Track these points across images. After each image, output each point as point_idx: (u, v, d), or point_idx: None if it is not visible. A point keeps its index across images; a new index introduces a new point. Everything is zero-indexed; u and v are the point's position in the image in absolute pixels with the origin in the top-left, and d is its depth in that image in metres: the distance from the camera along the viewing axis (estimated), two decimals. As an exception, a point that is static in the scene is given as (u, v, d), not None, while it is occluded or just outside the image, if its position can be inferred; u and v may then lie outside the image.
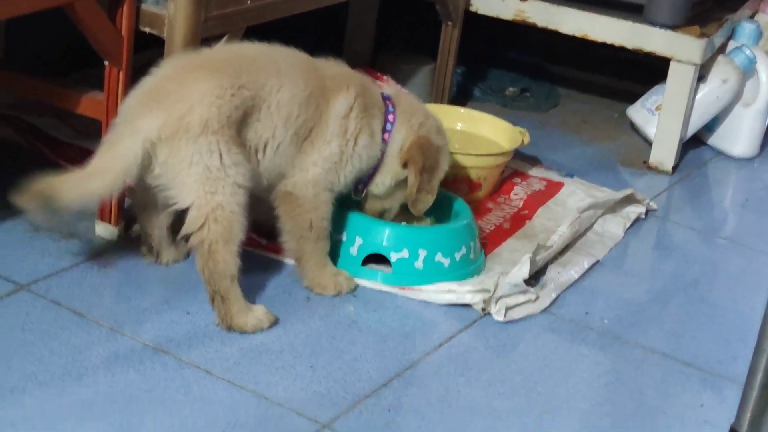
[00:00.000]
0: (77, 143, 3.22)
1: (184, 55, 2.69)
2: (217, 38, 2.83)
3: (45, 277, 2.69)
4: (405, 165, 2.83)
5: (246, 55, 2.66)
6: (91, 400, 2.31)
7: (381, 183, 2.86)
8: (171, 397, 2.36)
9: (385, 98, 2.85)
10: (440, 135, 2.90)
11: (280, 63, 2.67)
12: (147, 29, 2.79)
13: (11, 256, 2.75)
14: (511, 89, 4.27)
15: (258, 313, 2.61)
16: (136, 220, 2.82)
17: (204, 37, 2.79)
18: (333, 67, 2.79)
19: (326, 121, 2.71)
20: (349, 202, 2.91)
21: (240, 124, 2.57)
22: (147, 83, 2.59)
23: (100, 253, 2.83)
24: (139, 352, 2.48)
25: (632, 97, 4.10)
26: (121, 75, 2.77)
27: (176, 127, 2.49)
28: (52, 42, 3.38)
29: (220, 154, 2.52)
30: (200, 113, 2.50)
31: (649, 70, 4.05)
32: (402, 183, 2.87)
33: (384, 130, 2.81)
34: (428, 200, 2.87)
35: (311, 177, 2.71)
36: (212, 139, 2.51)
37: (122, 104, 2.62)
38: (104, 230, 2.88)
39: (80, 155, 3.14)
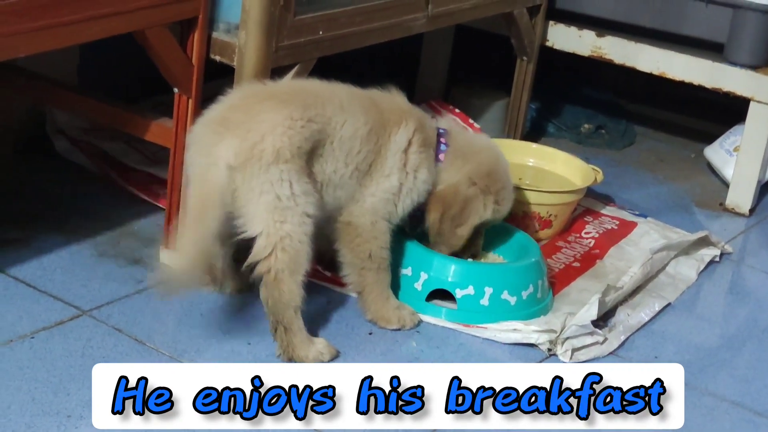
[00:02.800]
0: (146, 170, 3.23)
1: (250, 85, 2.68)
2: (287, 68, 2.82)
3: (107, 303, 2.69)
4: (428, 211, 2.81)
5: (310, 89, 2.66)
6: (147, 429, 2.30)
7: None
8: (227, 428, 2.33)
9: (440, 134, 2.82)
10: (484, 179, 2.82)
11: (342, 98, 2.65)
12: (217, 58, 2.79)
13: (74, 281, 2.75)
14: (586, 126, 4.22)
15: (319, 346, 2.58)
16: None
17: (275, 66, 2.78)
18: (391, 100, 2.77)
19: (385, 155, 2.69)
20: (415, 236, 2.88)
21: (308, 155, 2.56)
22: (214, 112, 2.59)
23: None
24: (197, 382, 2.46)
25: (710, 137, 4.03)
26: (191, 103, 2.77)
27: (249, 156, 2.49)
28: (124, 68, 3.39)
29: (291, 184, 2.52)
30: (272, 142, 2.50)
31: (728, 110, 3.98)
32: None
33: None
34: (452, 244, 2.85)
35: (369, 206, 2.70)
36: (283, 167, 2.51)
37: (189, 133, 2.62)
38: (169, 257, 2.87)
39: (149, 181, 3.17)
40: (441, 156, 2.81)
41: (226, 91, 2.65)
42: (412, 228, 2.88)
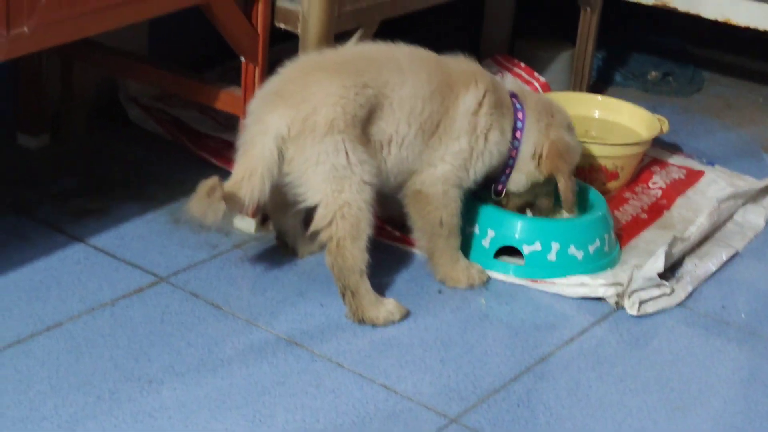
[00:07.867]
0: (219, 135, 3.29)
1: (305, 56, 2.72)
2: (351, 33, 2.87)
3: (184, 269, 2.77)
4: (550, 175, 2.85)
5: (367, 54, 2.69)
6: (225, 392, 2.38)
7: (518, 181, 2.87)
8: (303, 389, 2.41)
9: (512, 95, 2.85)
10: (571, 131, 2.90)
11: (401, 60, 2.68)
12: (281, 25, 2.85)
13: (151, 248, 2.84)
14: (653, 73, 4.21)
15: (389, 306, 2.64)
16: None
17: (338, 32, 2.83)
18: (462, 64, 2.79)
19: (453, 116, 2.72)
20: (481, 194, 2.92)
21: (365, 122, 2.60)
22: (271, 84, 2.64)
23: (237, 244, 2.89)
24: (273, 344, 2.54)
25: (780, 81, 4.01)
26: (257, 71, 2.83)
27: (302, 127, 2.54)
28: (193, 37, 3.45)
29: (347, 153, 2.56)
30: (325, 114, 2.54)
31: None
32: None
33: (515, 128, 2.81)
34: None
35: (440, 174, 2.73)
36: (338, 138, 2.55)
37: (249, 104, 2.67)
38: (242, 222, 2.94)
39: (221, 147, 3.25)
40: (520, 115, 2.83)
41: (291, 57, 2.70)
42: (496, 194, 2.91)
